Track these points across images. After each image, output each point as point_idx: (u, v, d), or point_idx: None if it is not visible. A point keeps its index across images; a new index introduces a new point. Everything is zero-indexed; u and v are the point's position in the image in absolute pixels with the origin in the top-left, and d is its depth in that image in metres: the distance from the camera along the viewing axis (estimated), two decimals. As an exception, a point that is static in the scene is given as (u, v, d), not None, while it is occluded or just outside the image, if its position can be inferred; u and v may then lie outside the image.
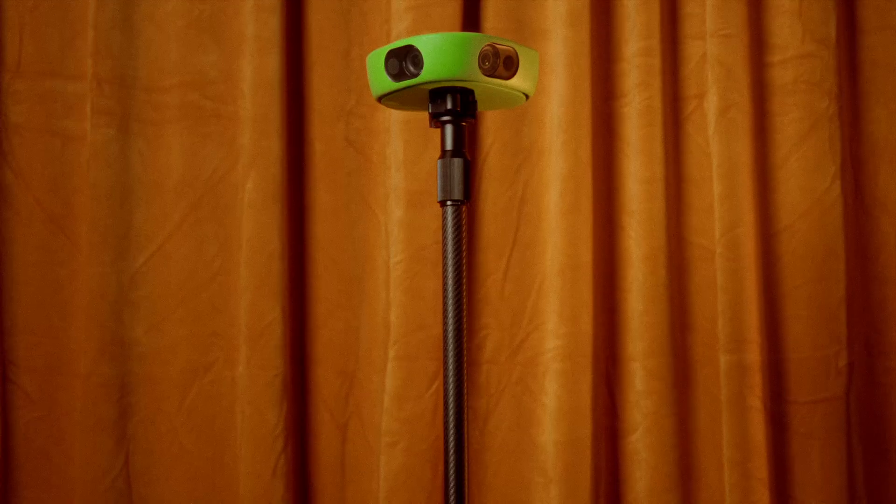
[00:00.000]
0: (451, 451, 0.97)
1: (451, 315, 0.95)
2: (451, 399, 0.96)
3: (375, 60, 0.98)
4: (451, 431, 0.97)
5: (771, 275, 1.42)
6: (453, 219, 0.97)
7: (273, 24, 1.45)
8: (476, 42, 0.94)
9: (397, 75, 0.98)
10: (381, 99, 1.00)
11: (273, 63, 1.43)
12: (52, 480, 1.46)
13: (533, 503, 1.41)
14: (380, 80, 0.99)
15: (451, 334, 0.96)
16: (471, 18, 1.50)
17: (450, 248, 0.96)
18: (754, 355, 1.35)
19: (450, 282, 0.95)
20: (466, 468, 0.96)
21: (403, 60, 0.99)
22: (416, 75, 0.96)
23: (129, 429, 1.45)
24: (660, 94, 1.42)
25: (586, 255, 1.39)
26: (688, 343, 1.45)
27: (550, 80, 1.46)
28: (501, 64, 0.99)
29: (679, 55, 1.50)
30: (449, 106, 0.98)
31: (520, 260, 1.48)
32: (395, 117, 1.44)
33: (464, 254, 0.96)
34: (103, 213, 1.46)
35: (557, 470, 1.37)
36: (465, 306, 1.00)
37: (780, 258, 1.43)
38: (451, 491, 0.95)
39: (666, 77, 1.45)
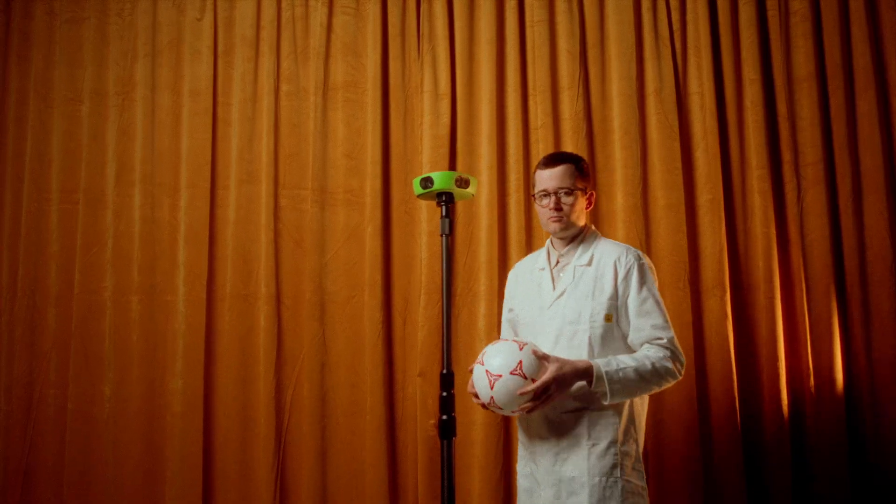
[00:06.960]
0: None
1: (445, 282, 1.42)
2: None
3: (416, 181, 1.47)
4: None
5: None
6: (445, 242, 1.47)
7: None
8: (454, 175, 1.45)
9: (424, 187, 1.45)
10: (418, 196, 1.48)
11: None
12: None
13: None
14: (417, 188, 1.46)
15: (445, 300, 1.40)
16: (453, 156, 2.40)
17: (444, 251, 1.47)
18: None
19: (444, 265, 1.47)
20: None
21: (426, 180, 1.45)
22: (431, 187, 1.44)
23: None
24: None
25: (498, 255, 2.29)
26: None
27: (482, 187, 2.35)
28: (463, 182, 1.44)
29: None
30: (444, 198, 1.46)
31: (470, 258, 2.37)
32: (423, 203, 2.27)
33: (448, 252, 1.42)
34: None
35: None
36: (454, 275, 1.90)
37: None
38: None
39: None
